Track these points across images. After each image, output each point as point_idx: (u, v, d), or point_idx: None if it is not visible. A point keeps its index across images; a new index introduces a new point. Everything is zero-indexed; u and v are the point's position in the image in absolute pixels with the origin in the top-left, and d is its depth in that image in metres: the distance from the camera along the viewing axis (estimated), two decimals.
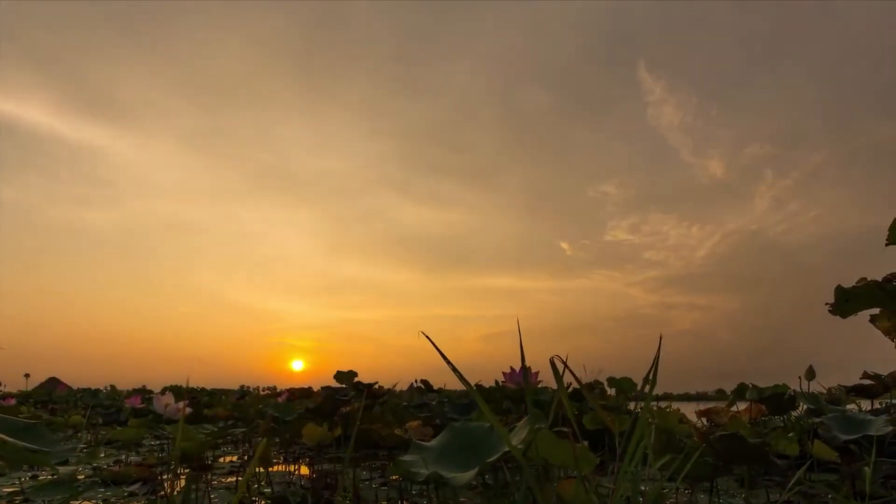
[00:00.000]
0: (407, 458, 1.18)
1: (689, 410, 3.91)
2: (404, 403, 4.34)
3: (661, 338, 1.18)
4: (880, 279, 1.18)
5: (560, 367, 1.01)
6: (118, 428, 4.18)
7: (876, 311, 1.29)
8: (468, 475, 0.99)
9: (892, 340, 1.31)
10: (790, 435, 1.53)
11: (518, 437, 1.04)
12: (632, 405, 4.98)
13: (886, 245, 1.38)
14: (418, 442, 1.24)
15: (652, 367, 1.17)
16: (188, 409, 2.45)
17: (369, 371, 4.41)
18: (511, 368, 2.45)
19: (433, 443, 1.25)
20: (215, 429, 2.52)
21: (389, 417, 2.35)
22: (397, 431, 2.15)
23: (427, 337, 1.04)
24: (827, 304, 1.29)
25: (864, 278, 1.21)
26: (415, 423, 2.26)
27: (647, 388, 1.13)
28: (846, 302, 1.23)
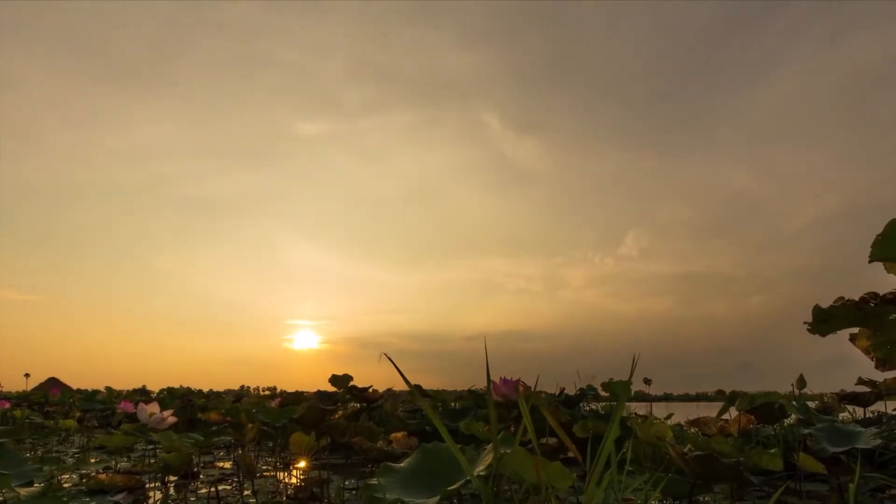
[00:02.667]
0: (375, 481, 1.16)
1: (688, 412, 3.89)
2: (386, 404, 4.33)
3: (635, 357, 1.17)
4: (857, 299, 1.16)
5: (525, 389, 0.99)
6: (112, 432, 4.17)
7: (855, 330, 1.27)
8: (430, 503, 0.98)
9: (872, 359, 1.29)
10: (773, 451, 1.51)
11: (483, 463, 1.02)
12: (632, 408, 4.97)
13: (870, 262, 1.36)
14: (388, 464, 1.23)
15: (629, 380, 1.16)
16: (173, 419, 2.44)
17: (368, 370, 4.39)
18: (496, 380, 2.44)
19: (404, 464, 1.24)
20: (201, 437, 2.51)
21: (374, 428, 2.34)
22: (380, 444, 2.13)
23: (389, 358, 1.03)
24: (805, 322, 1.27)
25: (842, 297, 1.19)
26: (399, 435, 2.24)
27: (638, 390, 1.11)
28: (824, 321, 1.21)
